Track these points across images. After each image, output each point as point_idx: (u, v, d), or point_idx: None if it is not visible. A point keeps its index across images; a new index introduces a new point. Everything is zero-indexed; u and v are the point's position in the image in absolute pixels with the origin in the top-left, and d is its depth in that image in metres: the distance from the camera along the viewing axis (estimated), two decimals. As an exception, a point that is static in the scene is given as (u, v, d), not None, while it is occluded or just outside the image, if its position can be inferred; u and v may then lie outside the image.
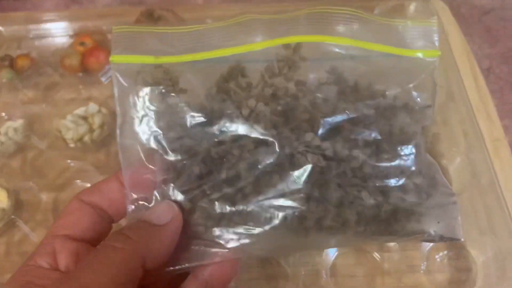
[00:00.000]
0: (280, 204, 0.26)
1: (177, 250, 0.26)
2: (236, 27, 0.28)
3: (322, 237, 0.28)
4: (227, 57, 0.28)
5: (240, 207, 0.26)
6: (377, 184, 0.27)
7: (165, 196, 0.27)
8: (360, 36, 0.28)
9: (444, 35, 0.51)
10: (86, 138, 0.45)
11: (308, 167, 0.26)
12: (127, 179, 0.27)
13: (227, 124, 0.27)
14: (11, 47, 0.53)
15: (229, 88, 0.27)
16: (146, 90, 0.27)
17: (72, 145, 0.45)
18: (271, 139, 0.26)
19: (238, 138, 0.27)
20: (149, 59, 0.27)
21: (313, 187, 0.26)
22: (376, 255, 0.39)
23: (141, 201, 0.27)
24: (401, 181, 0.28)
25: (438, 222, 0.29)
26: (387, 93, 0.29)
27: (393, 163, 0.28)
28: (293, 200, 0.26)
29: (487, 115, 0.47)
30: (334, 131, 0.27)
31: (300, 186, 0.26)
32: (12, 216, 0.41)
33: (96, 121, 0.46)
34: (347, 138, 0.27)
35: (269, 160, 0.26)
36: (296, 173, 0.26)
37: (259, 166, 0.26)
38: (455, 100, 0.47)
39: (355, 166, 0.27)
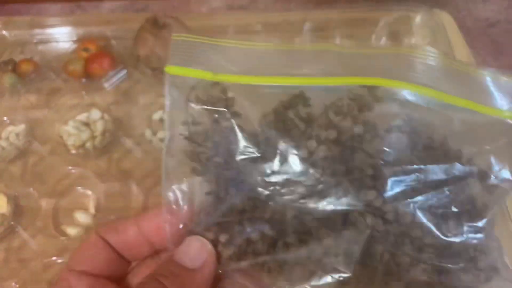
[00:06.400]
0: (323, 263, 0.24)
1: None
2: (304, 54, 0.26)
3: None
4: (291, 86, 0.25)
5: (279, 254, 0.24)
6: (435, 260, 0.24)
7: (202, 223, 0.25)
8: (441, 86, 0.25)
9: (450, 47, 0.51)
10: (88, 145, 0.45)
11: (364, 230, 0.23)
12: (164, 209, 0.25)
13: (281, 163, 0.24)
14: (15, 52, 0.53)
15: (288, 117, 0.25)
16: (199, 107, 0.25)
17: (73, 151, 0.45)
18: (327, 189, 0.24)
19: (290, 182, 0.24)
20: (207, 75, 0.25)
21: (364, 251, 0.23)
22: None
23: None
24: (462, 262, 0.24)
25: None
26: (462, 152, 0.25)
27: (458, 240, 0.24)
28: (339, 262, 0.23)
29: (492, 129, 0.46)
30: (398, 189, 0.24)
31: (350, 248, 0.23)
32: (12, 222, 0.41)
33: (98, 127, 0.45)
34: (412, 200, 0.24)
35: (321, 212, 0.24)
36: (349, 233, 0.23)
37: (308, 217, 0.24)
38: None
39: (417, 236, 0.24)
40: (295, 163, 0.24)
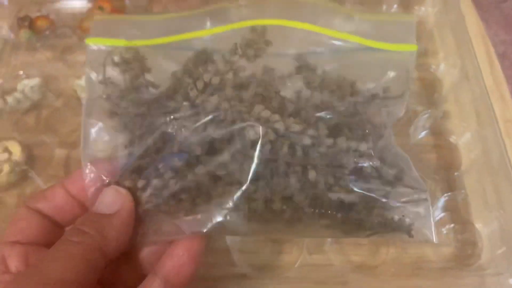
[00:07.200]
0: (226, 181, 0.26)
1: (137, 226, 0.27)
2: (206, 14, 0.29)
3: (282, 223, 0.27)
4: (198, 43, 0.29)
5: (189, 184, 0.26)
6: (330, 166, 0.26)
7: (120, 174, 0.27)
8: (333, 26, 0.28)
9: (461, 17, 0.51)
10: (100, 98, 0.46)
11: (257, 140, 0.26)
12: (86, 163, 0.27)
13: (182, 99, 0.27)
14: (32, 11, 0.54)
15: (195, 71, 0.28)
16: (114, 69, 0.28)
17: (86, 104, 0.46)
18: (222, 112, 0.26)
19: (191, 113, 0.27)
20: (121, 42, 0.29)
21: (262, 165, 0.26)
22: (382, 223, 0.39)
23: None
24: (358, 165, 0.27)
25: (403, 216, 0.28)
26: (357, 84, 0.28)
27: (350, 145, 0.27)
28: (240, 175, 0.26)
29: (501, 97, 0.46)
30: (292, 113, 0.27)
31: (247, 160, 0.26)
32: (25, 167, 0.42)
33: (111, 82, 0.46)
34: (303, 117, 0.27)
35: (220, 134, 0.26)
36: (245, 147, 0.26)
37: (210, 140, 0.26)
38: (469, 80, 0.47)
39: (307, 143, 0.26)
40: (194, 96, 0.27)
